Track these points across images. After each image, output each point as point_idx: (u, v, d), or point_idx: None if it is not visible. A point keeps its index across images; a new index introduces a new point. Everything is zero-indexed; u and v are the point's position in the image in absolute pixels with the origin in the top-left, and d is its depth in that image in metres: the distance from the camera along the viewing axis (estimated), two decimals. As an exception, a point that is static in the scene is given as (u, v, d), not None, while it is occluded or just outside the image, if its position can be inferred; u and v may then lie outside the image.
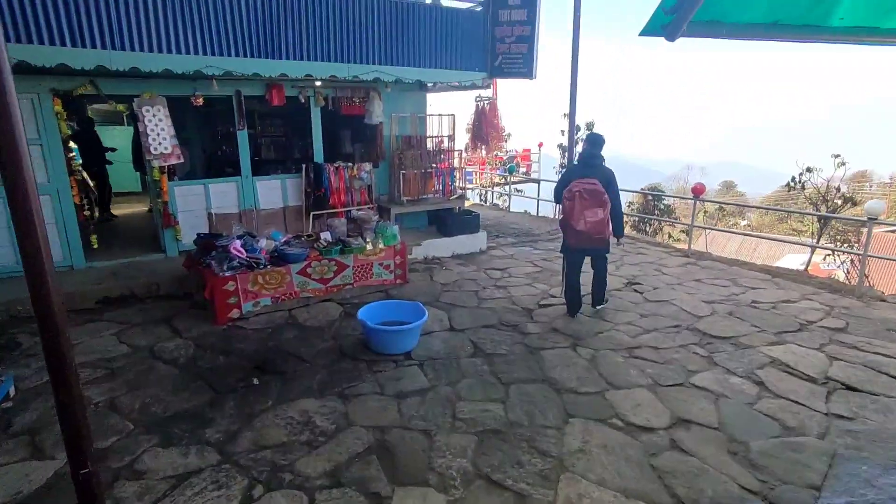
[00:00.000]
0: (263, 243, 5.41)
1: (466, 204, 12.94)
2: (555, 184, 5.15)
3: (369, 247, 5.80)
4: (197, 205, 6.38)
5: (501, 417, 3.45)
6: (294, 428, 3.31)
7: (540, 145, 17.17)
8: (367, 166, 7.09)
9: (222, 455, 3.05)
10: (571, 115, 6.06)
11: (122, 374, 4.00)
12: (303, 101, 6.66)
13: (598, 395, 3.74)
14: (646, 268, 6.97)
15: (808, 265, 9.44)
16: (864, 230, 6.00)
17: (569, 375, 4.01)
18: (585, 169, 4.77)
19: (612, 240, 4.99)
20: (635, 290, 5.99)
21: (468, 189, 15.94)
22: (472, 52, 7.02)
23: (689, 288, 6.09)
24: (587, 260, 5.11)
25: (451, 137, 7.65)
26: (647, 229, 11.28)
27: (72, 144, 6.74)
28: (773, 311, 5.37)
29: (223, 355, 4.32)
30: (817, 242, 9.51)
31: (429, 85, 7.45)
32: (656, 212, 10.78)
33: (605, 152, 4.88)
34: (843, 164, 10.17)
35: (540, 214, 11.56)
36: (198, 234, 5.50)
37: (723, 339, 4.66)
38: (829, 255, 9.58)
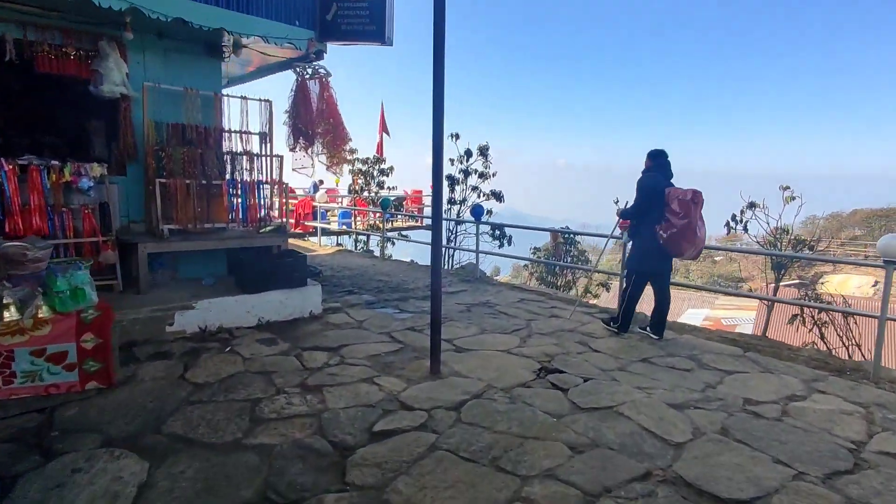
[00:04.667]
0: None
1: (333, 251, 9.84)
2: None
3: (9, 314, 2.68)
4: None
5: None
6: None
7: (432, 186, 15.02)
8: (96, 169, 3.97)
9: None
10: (436, 136, 3.48)
11: None
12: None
13: None
14: (565, 339, 4.48)
15: (765, 327, 7.66)
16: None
17: None
18: (669, 176, 4.42)
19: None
20: (555, 386, 3.41)
21: (347, 233, 13.04)
22: (291, -3, 4.38)
23: (638, 378, 3.63)
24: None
25: (266, 135, 4.84)
26: (559, 282, 9.00)
27: None
28: (789, 420, 3.03)
29: None
30: (775, 293, 7.87)
31: (225, 52, 4.67)
32: (569, 258, 8.81)
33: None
34: (794, 197, 8.74)
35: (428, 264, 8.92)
36: None
37: (747, 515, 2.13)
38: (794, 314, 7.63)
